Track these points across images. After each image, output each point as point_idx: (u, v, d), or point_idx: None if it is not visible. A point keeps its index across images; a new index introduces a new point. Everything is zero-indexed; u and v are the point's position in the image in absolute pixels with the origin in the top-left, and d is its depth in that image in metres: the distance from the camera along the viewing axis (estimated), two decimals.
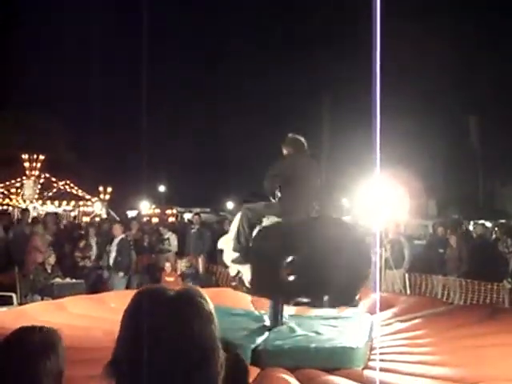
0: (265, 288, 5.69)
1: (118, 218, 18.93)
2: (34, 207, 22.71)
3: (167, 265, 10.84)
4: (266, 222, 5.70)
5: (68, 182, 26.06)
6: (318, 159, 6.16)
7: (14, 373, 1.94)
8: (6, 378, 1.95)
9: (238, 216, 5.98)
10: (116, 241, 10.49)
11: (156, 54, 27.21)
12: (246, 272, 5.76)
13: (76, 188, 26.23)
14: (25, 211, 14.11)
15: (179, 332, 1.17)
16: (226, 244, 6.15)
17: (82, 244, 11.73)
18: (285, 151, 6.10)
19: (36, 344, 1.96)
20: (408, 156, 22.86)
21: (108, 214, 23.27)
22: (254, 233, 5.69)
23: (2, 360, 1.97)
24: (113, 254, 10.34)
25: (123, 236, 10.70)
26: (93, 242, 11.56)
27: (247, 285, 5.79)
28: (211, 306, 1.25)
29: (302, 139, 6.08)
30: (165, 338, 1.16)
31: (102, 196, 26.54)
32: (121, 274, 10.25)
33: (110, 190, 26.99)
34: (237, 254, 5.82)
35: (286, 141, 6.10)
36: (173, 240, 12.10)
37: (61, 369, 1.99)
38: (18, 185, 24.51)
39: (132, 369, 1.16)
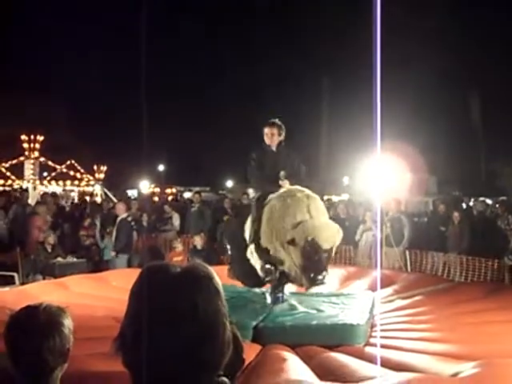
0: None
1: (113, 198, 18.86)
2: (35, 187, 22.69)
3: (178, 244, 10.64)
4: None
5: (69, 162, 25.93)
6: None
7: (19, 350, 1.96)
8: (12, 355, 1.96)
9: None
10: (117, 220, 10.46)
11: (155, 35, 26.89)
12: None
13: (79, 167, 26.13)
14: (24, 191, 14.10)
15: (184, 307, 1.17)
16: None
17: (86, 223, 11.66)
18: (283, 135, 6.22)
19: (41, 322, 1.97)
20: (409, 132, 22.77)
21: (104, 193, 23.20)
22: None
23: (8, 337, 1.99)
24: (114, 234, 10.33)
25: (124, 216, 10.69)
26: (97, 221, 11.54)
27: None
28: (218, 282, 1.25)
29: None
30: (169, 313, 1.17)
31: (96, 175, 26.41)
32: (122, 253, 10.24)
33: (104, 168, 26.83)
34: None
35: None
36: (175, 219, 12.06)
37: (67, 346, 2.00)
38: (16, 165, 24.43)
39: (137, 343, 1.17)
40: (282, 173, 6.01)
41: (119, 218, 10.45)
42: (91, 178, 25.98)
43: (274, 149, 6.16)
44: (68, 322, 2.04)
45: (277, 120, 6.22)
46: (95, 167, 26.53)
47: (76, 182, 25.43)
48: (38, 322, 1.96)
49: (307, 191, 5.70)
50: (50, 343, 1.95)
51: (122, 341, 1.21)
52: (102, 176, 26.65)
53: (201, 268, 1.25)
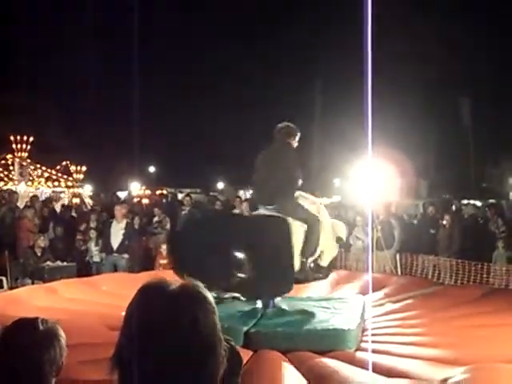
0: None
1: (86, 202, 18.73)
2: (25, 190, 22.47)
3: (164, 247, 10.65)
4: None
5: (65, 163, 25.66)
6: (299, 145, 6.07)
7: (19, 364, 1.90)
8: (10, 370, 1.91)
9: None
10: (122, 224, 10.21)
11: (147, 36, 26.86)
12: None
13: (71, 168, 25.88)
14: (13, 193, 13.92)
15: (182, 326, 1.19)
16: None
17: (82, 227, 11.54)
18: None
19: (41, 333, 1.94)
20: (399, 136, 22.87)
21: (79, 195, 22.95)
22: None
23: (5, 352, 1.92)
24: (119, 238, 10.08)
25: (129, 220, 10.48)
26: (93, 225, 11.41)
27: None
28: (212, 299, 1.27)
29: (282, 126, 5.95)
30: (168, 332, 1.18)
31: (75, 175, 26.08)
32: (126, 256, 10.05)
33: (84, 169, 26.44)
34: None
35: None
36: (166, 222, 11.97)
37: (62, 359, 1.97)
38: (5, 165, 24.16)
39: (135, 362, 1.18)
40: None
41: (124, 222, 10.18)
42: (71, 179, 25.61)
43: None
44: (63, 335, 2.01)
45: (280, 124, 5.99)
46: (73, 168, 26.10)
47: (67, 184, 25.16)
48: (38, 334, 1.92)
49: None
50: (51, 355, 1.91)
51: (119, 359, 1.21)
52: (80, 177, 26.28)
53: (196, 285, 1.27)
